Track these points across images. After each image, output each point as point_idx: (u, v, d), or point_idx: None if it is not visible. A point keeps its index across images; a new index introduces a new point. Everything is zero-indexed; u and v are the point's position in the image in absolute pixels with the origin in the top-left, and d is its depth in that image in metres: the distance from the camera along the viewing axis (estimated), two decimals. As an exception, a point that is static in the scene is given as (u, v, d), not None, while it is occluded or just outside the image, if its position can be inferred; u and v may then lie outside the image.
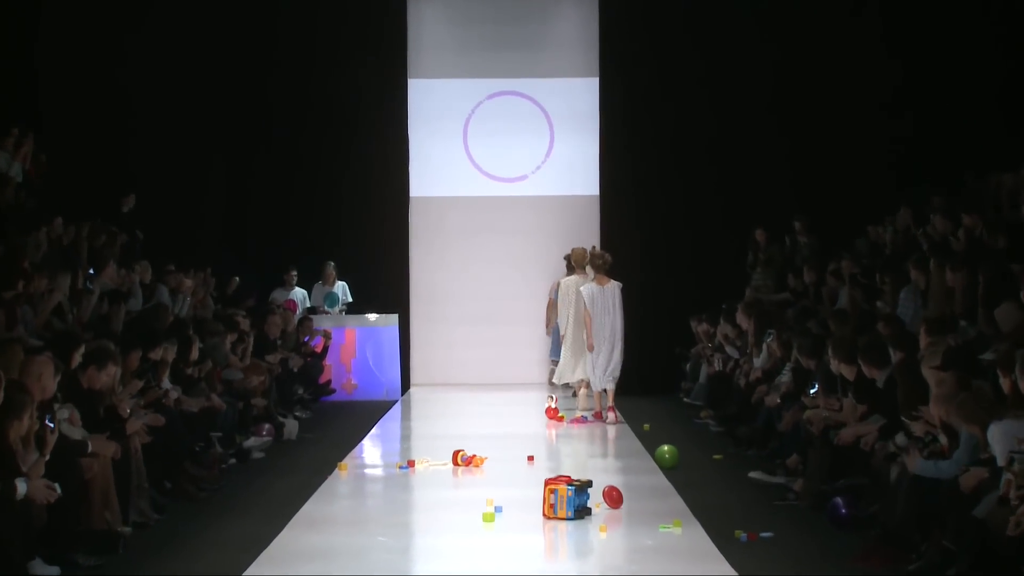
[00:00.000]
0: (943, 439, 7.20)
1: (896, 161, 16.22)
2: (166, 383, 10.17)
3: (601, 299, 13.64)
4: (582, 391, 14.43)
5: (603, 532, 7.94)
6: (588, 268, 13.95)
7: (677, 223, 17.11)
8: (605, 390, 13.69)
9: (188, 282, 13.83)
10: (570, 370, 14.33)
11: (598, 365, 13.65)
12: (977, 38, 16.06)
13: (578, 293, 13.92)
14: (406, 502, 9.54)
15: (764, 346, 12.23)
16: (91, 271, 11.94)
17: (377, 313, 16.74)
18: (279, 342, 14.57)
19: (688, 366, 15.84)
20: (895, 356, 8.66)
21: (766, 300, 14.86)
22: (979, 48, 16.04)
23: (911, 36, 16.39)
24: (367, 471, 10.96)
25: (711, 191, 17.08)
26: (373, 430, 13.28)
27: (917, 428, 7.60)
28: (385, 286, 17.32)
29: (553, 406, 13.78)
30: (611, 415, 13.49)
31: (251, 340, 13.25)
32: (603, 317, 13.61)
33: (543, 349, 17.13)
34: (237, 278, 15.85)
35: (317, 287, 17.01)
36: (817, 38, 16.76)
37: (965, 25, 16.11)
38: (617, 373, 13.73)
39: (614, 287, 13.71)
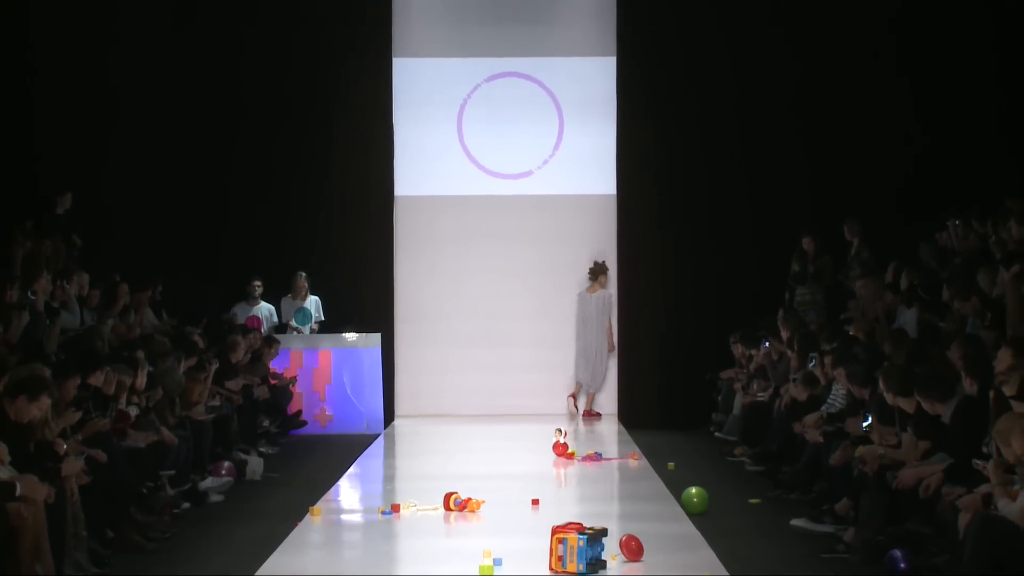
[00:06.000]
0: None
1: (968, 154, 16.19)
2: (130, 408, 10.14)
3: (583, 306, 17.21)
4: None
5: (620, 589, 8.00)
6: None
7: (707, 227, 17.06)
8: (580, 388, 17.33)
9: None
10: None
11: (580, 368, 17.35)
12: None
13: None
14: (389, 553, 9.53)
15: (807, 373, 12.24)
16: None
17: (356, 332, 16.72)
18: (241, 366, 14.53)
19: (720, 395, 15.82)
20: (967, 384, 8.63)
21: (815, 320, 14.88)
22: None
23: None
24: (344, 517, 10.96)
25: (747, 190, 17.02)
26: (351, 469, 13.28)
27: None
28: (366, 301, 17.28)
29: (562, 441, 13.78)
30: (583, 418, 17.16)
31: (212, 367, 13.16)
32: (581, 325, 17.16)
33: (549, 375, 17.12)
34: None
35: (286, 301, 16.99)
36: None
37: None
38: (592, 384, 17.25)
39: (601, 295, 17.04)
